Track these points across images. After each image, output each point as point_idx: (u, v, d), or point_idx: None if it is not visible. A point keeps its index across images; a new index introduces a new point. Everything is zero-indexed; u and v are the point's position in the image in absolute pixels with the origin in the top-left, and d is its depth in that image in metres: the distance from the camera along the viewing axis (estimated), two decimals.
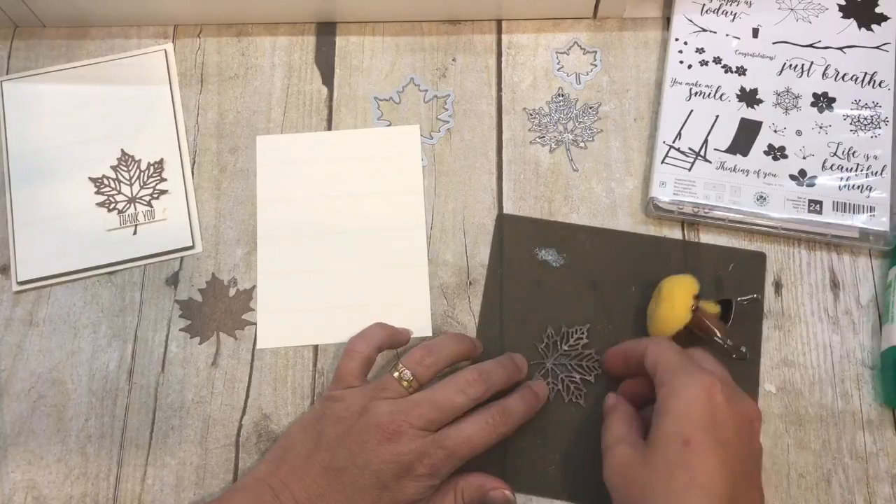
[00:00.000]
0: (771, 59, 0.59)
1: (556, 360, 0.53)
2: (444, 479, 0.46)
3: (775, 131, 0.57)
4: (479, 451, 0.46)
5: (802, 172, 0.56)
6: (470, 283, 0.56)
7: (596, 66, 0.61)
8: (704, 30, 0.60)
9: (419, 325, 0.55)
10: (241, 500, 0.46)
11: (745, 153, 0.57)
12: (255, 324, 0.56)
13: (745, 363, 0.52)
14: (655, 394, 0.44)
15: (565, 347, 0.53)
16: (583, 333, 0.54)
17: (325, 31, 0.63)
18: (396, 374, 0.48)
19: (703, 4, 0.61)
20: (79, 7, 0.61)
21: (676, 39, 0.60)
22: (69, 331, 0.56)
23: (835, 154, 0.56)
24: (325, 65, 0.62)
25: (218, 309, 0.56)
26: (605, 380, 0.52)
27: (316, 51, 0.63)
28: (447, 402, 0.46)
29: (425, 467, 0.44)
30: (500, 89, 0.61)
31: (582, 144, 0.59)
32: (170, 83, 0.62)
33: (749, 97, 0.58)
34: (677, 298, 0.50)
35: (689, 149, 0.57)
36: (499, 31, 0.62)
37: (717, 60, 0.59)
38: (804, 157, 0.56)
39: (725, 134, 0.57)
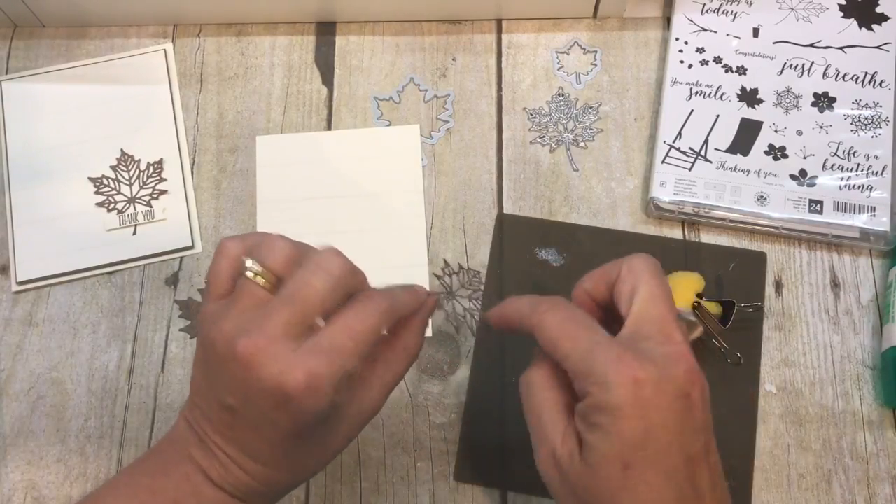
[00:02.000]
0: (771, 58, 0.59)
1: None
2: (343, 385, 0.36)
3: (776, 131, 0.57)
4: (370, 340, 0.37)
5: (803, 172, 0.56)
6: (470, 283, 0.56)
7: (596, 65, 0.61)
8: (705, 29, 0.60)
9: None
10: (171, 452, 0.39)
11: (745, 153, 0.57)
12: None
13: (745, 363, 0.52)
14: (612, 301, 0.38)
15: None
16: None
17: (325, 30, 0.63)
18: (245, 272, 0.38)
19: (704, 4, 0.61)
20: (78, 7, 0.61)
21: (677, 39, 0.60)
22: (69, 331, 0.56)
23: (835, 154, 0.56)
24: (325, 65, 0.62)
25: None
26: None
27: (316, 50, 0.63)
28: (302, 288, 0.36)
29: (300, 386, 0.34)
30: (500, 89, 0.61)
31: (582, 144, 0.59)
32: (169, 83, 0.62)
33: (749, 97, 0.58)
34: (679, 293, 0.50)
35: (690, 148, 0.57)
36: (499, 31, 0.62)
37: (717, 60, 0.59)
38: (805, 157, 0.56)
39: (726, 134, 0.57)
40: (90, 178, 0.59)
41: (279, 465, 0.38)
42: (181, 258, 0.58)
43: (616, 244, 0.56)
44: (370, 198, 0.58)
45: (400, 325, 0.41)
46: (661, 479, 0.35)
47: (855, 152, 0.56)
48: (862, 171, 0.56)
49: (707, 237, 0.56)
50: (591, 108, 0.60)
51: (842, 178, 0.55)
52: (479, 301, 0.56)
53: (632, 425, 0.35)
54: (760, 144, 0.57)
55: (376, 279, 0.56)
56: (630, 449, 0.35)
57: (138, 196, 0.59)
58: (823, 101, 0.58)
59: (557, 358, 0.37)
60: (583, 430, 0.36)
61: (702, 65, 0.59)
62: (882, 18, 0.60)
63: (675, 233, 0.57)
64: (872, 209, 0.54)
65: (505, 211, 0.58)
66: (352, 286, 0.38)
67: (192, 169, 0.60)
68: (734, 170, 0.56)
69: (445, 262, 0.56)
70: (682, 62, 0.59)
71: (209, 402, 0.38)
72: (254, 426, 0.37)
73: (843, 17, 0.60)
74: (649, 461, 0.35)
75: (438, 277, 0.56)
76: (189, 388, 0.40)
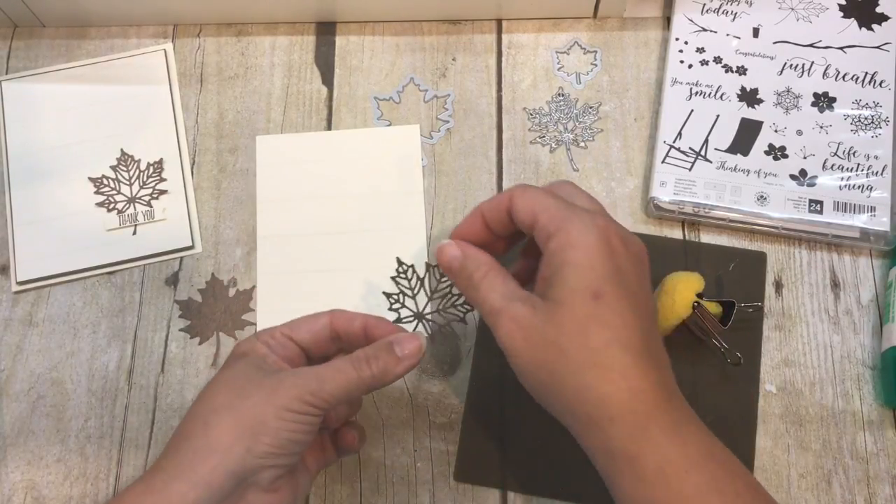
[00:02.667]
0: (771, 58, 0.59)
1: None
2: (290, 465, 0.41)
3: (776, 131, 0.57)
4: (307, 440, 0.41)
5: (803, 172, 0.56)
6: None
7: (596, 65, 0.61)
8: (705, 29, 0.60)
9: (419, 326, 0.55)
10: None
11: (745, 153, 0.57)
12: (255, 324, 0.56)
13: (745, 363, 0.52)
14: (538, 244, 0.40)
15: None
16: None
17: (325, 30, 0.63)
18: None
19: (704, 4, 0.61)
20: (78, 7, 0.61)
21: (677, 39, 0.60)
22: (69, 331, 0.56)
23: (835, 154, 0.56)
24: (325, 64, 0.62)
25: (218, 309, 0.56)
26: None
27: (316, 50, 0.63)
28: None
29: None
30: (500, 89, 0.61)
31: (582, 144, 0.59)
32: (169, 83, 0.62)
33: (749, 97, 0.58)
34: (679, 293, 0.50)
35: (690, 148, 0.57)
36: (499, 31, 0.62)
37: (717, 60, 0.59)
38: (805, 157, 0.56)
39: (726, 134, 0.57)
40: (90, 178, 0.59)
41: None
42: (181, 258, 0.58)
43: None
44: (370, 198, 0.58)
45: (344, 426, 0.46)
46: (628, 308, 0.37)
47: (855, 152, 0.56)
48: (862, 171, 0.56)
49: (707, 237, 0.56)
50: (591, 108, 0.60)
51: (842, 178, 0.55)
52: None
53: (603, 260, 0.37)
54: (760, 144, 0.57)
55: (376, 279, 0.56)
56: (600, 279, 0.37)
57: (138, 196, 0.59)
58: (823, 101, 0.58)
59: (533, 222, 0.40)
60: (551, 273, 0.38)
61: (702, 65, 0.59)
62: (882, 18, 0.60)
63: (675, 233, 0.57)
64: (872, 209, 0.54)
65: None
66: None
67: (192, 169, 0.60)
68: (734, 170, 0.56)
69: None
70: (682, 62, 0.59)
71: None
72: None
73: (843, 17, 0.60)
74: (617, 292, 0.37)
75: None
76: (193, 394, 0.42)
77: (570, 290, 0.37)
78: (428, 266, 0.49)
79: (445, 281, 0.48)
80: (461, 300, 0.48)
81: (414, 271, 0.50)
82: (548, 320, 0.38)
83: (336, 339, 0.45)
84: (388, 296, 0.49)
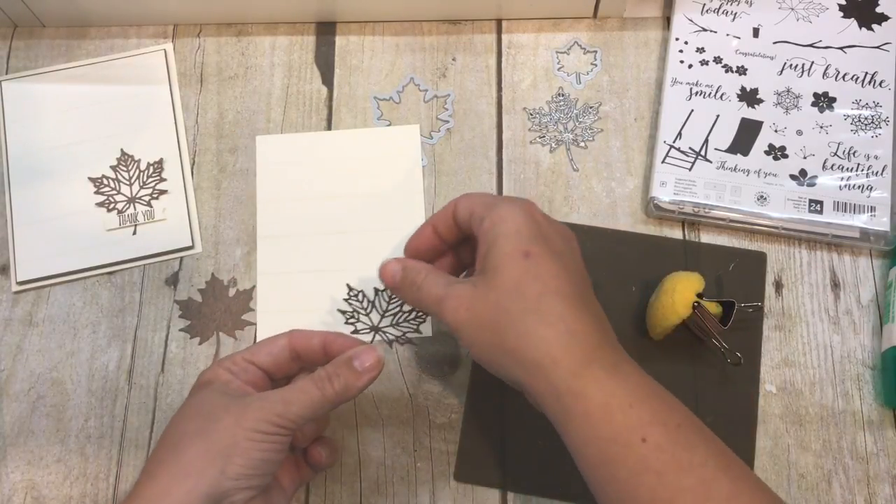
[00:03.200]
0: (771, 58, 0.59)
1: None
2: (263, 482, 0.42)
3: (776, 131, 0.57)
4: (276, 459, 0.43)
5: (803, 172, 0.56)
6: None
7: (596, 65, 0.61)
8: (705, 29, 0.60)
9: (419, 326, 0.55)
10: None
11: (745, 153, 0.57)
12: (255, 324, 0.56)
13: (745, 363, 0.52)
14: (473, 235, 0.44)
15: None
16: None
17: (325, 30, 0.63)
18: None
19: (704, 4, 0.61)
20: (78, 7, 0.61)
21: (677, 39, 0.60)
22: (69, 331, 0.56)
23: (835, 154, 0.56)
24: (325, 64, 0.62)
25: (218, 309, 0.56)
26: None
27: (316, 50, 0.63)
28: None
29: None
30: (500, 89, 0.61)
31: (582, 144, 0.59)
32: (169, 83, 0.62)
33: (749, 97, 0.58)
34: (679, 293, 0.50)
35: (690, 148, 0.57)
36: (499, 31, 0.62)
37: (717, 60, 0.59)
38: (805, 157, 0.56)
39: (726, 134, 0.57)
40: (90, 178, 0.59)
41: None
42: (181, 258, 0.58)
43: (616, 244, 0.56)
44: (370, 198, 0.58)
45: (313, 443, 0.47)
46: (556, 264, 0.41)
47: (855, 152, 0.56)
48: (862, 171, 0.56)
49: (707, 237, 0.56)
50: (591, 108, 0.60)
51: (842, 178, 0.55)
52: None
53: (529, 227, 0.42)
54: (760, 144, 0.57)
55: (377, 279, 0.56)
56: (528, 241, 0.41)
57: (138, 196, 0.59)
58: (823, 101, 0.58)
59: (470, 214, 0.44)
60: (486, 248, 0.42)
61: (702, 65, 0.59)
62: (882, 18, 0.60)
63: (675, 233, 0.57)
64: (872, 209, 0.54)
65: None
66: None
67: (192, 169, 0.60)
68: (734, 170, 0.56)
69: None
70: (682, 62, 0.59)
71: None
72: None
73: (843, 17, 0.60)
74: (544, 251, 0.41)
75: None
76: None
77: (503, 255, 0.41)
78: (376, 291, 0.52)
79: (395, 301, 0.51)
80: (412, 314, 0.51)
81: (364, 295, 0.53)
82: (487, 287, 0.41)
83: (296, 359, 0.47)
84: (343, 313, 0.52)
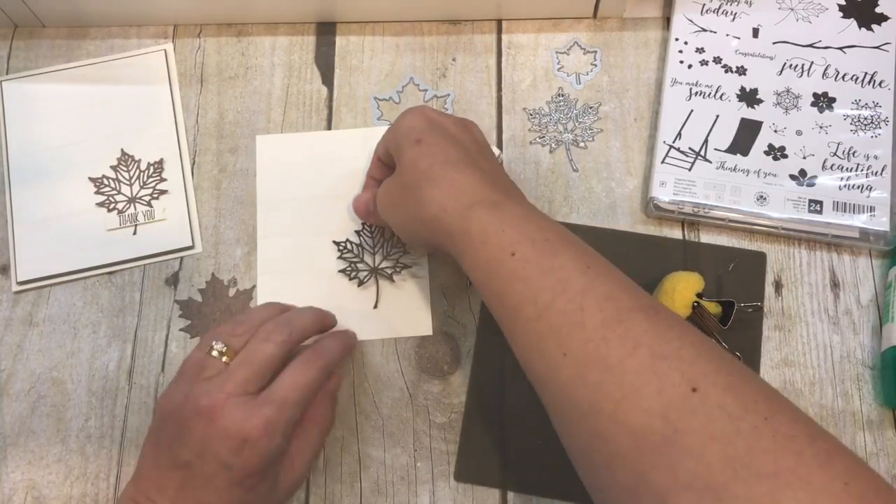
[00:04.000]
0: (771, 58, 0.59)
1: None
2: (287, 430, 0.45)
3: (775, 131, 0.57)
4: (311, 392, 0.46)
5: (802, 172, 0.56)
6: (470, 283, 0.56)
7: (596, 66, 0.61)
8: (704, 30, 0.60)
9: (419, 325, 0.55)
10: None
11: (745, 153, 0.57)
12: None
13: (745, 363, 0.52)
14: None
15: None
16: None
17: (325, 30, 0.63)
18: (211, 351, 0.46)
19: (703, 4, 0.61)
20: (79, 7, 0.61)
21: (676, 39, 0.60)
22: (69, 331, 0.56)
23: (835, 154, 0.56)
24: (325, 65, 0.62)
25: (218, 309, 0.56)
26: None
27: (316, 51, 0.63)
28: (256, 354, 0.46)
29: (257, 429, 0.43)
30: (500, 89, 0.61)
31: (582, 144, 0.59)
32: (170, 83, 0.62)
33: (749, 97, 0.58)
34: (679, 292, 0.50)
35: (690, 149, 0.57)
36: (499, 31, 0.62)
37: (717, 60, 0.59)
38: (804, 157, 0.56)
39: (726, 134, 0.57)
40: (90, 178, 0.59)
41: None
42: (181, 258, 0.58)
43: (616, 244, 0.56)
44: None
45: (310, 403, 0.48)
46: (448, 144, 0.47)
47: (854, 152, 0.56)
48: (861, 171, 0.56)
49: (707, 237, 0.56)
50: (590, 108, 0.60)
51: (841, 178, 0.55)
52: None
53: (420, 121, 0.48)
54: (760, 144, 0.57)
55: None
56: (419, 132, 0.48)
57: (138, 196, 0.59)
58: (823, 101, 0.58)
59: (388, 150, 0.51)
60: (395, 153, 0.49)
61: (701, 65, 0.59)
62: (882, 18, 0.60)
63: (675, 233, 0.57)
64: (872, 209, 0.55)
65: None
66: (299, 342, 0.48)
67: (192, 169, 0.60)
68: (734, 170, 0.56)
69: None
70: (681, 62, 0.59)
71: (161, 469, 0.44)
72: (207, 478, 0.43)
73: (843, 17, 0.60)
74: (435, 136, 0.47)
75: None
76: None
77: (401, 148, 0.48)
78: (357, 233, 0.57)
79: (375, 231, 0.57)
80: (395, 238, 0.56)
81: (351, 242, 0.57)
82: (394, 176, 0.49)
83: None
84: (342, 271, 0.56)
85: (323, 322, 0.51)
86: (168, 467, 0.44)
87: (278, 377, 0.46)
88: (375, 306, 0.55)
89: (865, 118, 0.57)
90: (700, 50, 0.60)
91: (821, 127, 0.57)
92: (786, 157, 0.56)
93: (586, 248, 0.44)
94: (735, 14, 0.60)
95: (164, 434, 0.45)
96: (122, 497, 0.45)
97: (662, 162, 0.57)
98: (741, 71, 0.59)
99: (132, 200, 0.59)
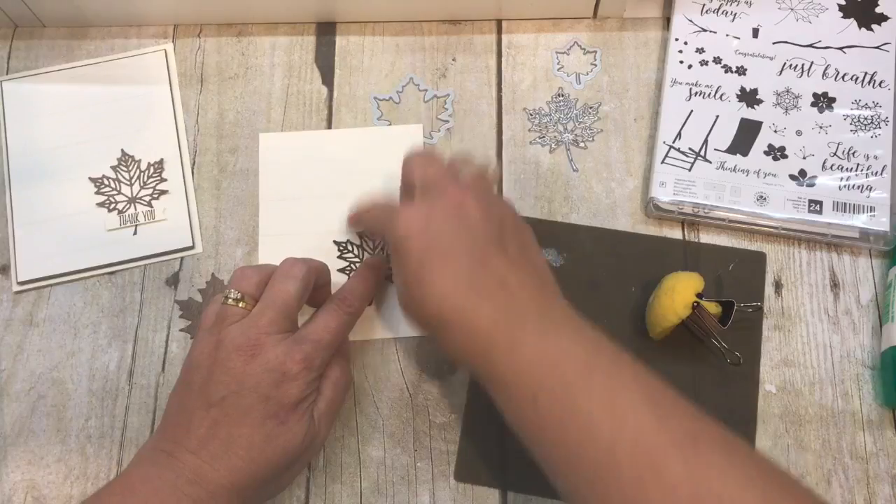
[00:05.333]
0: (771, 59, 0.59)
1: None
2: (321, 370, 0.47)
3: (775, 131, 0.57)
4: (341, 336, 0.48)
5: (802, 172, 0.56)
6: None
7: (596, 66, 0.61)
8: (704, 30, 0.60)
9: None
10: (139, 472, 0.44)
11: (745, 153, 0.57)
12: None
13: (745, 363, 0.52)
14: None
15: None
16: None
17: (325, 30, 0.63)
18: (227, 300, 0.47)
19: (703, 4, 0.61)
20: (79, 7, 0.61)
21: (676, 39, 0.60)
22: (69, 331, 0.56)
23: (835, 154, 0.56)
24: (325, 65, 0.62)
25: None
26: None
27: (316, 51, 0.63)
28: (281, 294, 0.47)
29: (297, 363, 0.45)
30: (500, 89, 0.61)
31: (582, 144, 0.59)
32: (170, 83, 0.62)
33: (749, 97, 0.58)
34: (679, 292, 0.50)
35: (689, 149, 0.57)
36: (499, 31, 0.62)
37: (717, 60, 0.59)
38: (804, 157, 0.56)
39: (725, 134, 0.57)
40: (91, 179, 0.59)
41: (254, 453, 0.44)
42: (182, 258, 0.58)
43: (616, 244, 0.56)
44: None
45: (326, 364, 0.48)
46: (450, 272, 0.43)
47: (854, 152, 0.56)
48: (861, 171, 0.56)
49: (706, 237, 0.56)
50: (590, 108, 0.60)
51: (841, 179, 0.56)
52: None
53: (418, 242, 0.44)
54: (760, 145, 0.57)
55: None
56: (420, 252, 0.44)
57: (139, 196, 0.59)
58: (823, 101, 0.58)
59: (380, 231, 0.52)
60: (394, 269, 0.46)
61: (701, 65, 0.59)
62: (882, 18, 0.60)
63: (675, 233, 0.57)
64: (872, 209, 0.55)
65: None
66: (317, 280, 0.49)
67: (192, 169, 0.60)
68: (734, 170, 0.56)
69: None
70: (681, 62, 0.59)
71: (190, 412, 0.44)
72: (243, 410, 0.44)
73: (843, 17, 0.60)
74: (437, 260, 0.43)
75: None
76: None
77: (407, 269, 0.44)
78: (359, 233, 0.57)
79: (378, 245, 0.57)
80: None
81: (352, 244, 0.57)
82: (401, 293, 0.46)
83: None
84: (342, 271, 0.56)
85: (324, 266, 0.51)
86: (199, 408, 0.44)
87: (311, 321, 0.48)
88: (372, 304, 0.55)
89: (865, 118, 0.57)
90: (700, 50, 0.60)
91: (821, 127, 0.57)
92: (786, 157, 0.56)
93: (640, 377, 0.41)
94: (735, 14, 0.60)
95: (194, 380, 0.45)
96: (142, 449, 0.45)
97: (662, 162, 0.57)
98: (741, 71, 0.59)
99: (132, 200, 0.59)
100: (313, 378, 0.46)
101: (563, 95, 0.61)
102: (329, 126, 0.60)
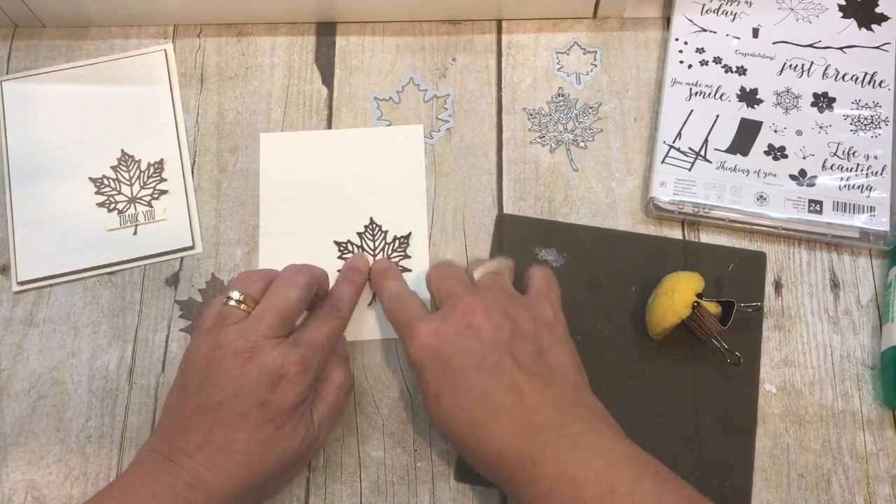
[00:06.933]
0: (771, 59, 0.59)
1: None
2: (317, 373, 0.47)
3: (775, 131, 0.57)
4: (335, 338, 0.49)
5: (802, 172, 0.56)
6: None
7: (596, 66, 0.61)
8: (704, 30, 0.60)
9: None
10: (138, 475, 0.44)
11: (745, 153, 0.57)
12: None
13: (745, 363, 0.52)
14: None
15: None
16: None
17: (325, 31, 0.63)
18: (228, 302, 0.48)
19: (704, 4, 0.61)
20: (79, 7, 0.61)
21: (676, 39, 0.60)
22: (69, 331, 0.56)
23: (835, 154, 0.56)
24: (325, 65, 0.62)
25: None
26: None
27: (316, 51, 0.63)
28: (282, 300, 0.47)
29: (295, 364, 0.45)
30: (500, 89, 0.61)
31: (582, 144, 0.59)
32: (170, 83, 0.62)
33: (749, 97, 0.58)
34: (679, 293, 0.50)
35: (690, 149, 0.57)
36: (499, 31, 0.62)
37: (717, 60, 0.59)
38: (804, 157, 0.56)
39: (725, 134, 0.57)
40: (91, 179, 0.59)
41: (251, 458, 0.44)
42: (182, 258, 0.58)
43: (616, 244, 0.56)
44: (373, 197, 0.58)
45: (326, 366, 0.49)
46: (463, 398, 0.44)
47: (854, 152, 0.56)
48: (861, 171, 0.56)
49: (707, 237, 0.56)
50: (590, 108, 0.60)
51: (841, 178, 0.56)
52: None
53: (430, 370, 0.45)
54: (760, 144, 0.57)
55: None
56: (434, 385, 0.45)
57: (139, 196, 0.59)
58: (823, 101, 0.58)
59: (389, 319, 0.50)
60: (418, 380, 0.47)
61: (701, 65, 0.59)
62: (882, 18, 0.60)
63: (675, 233, 0.57)
64: (872, 209, 0.55)
65: (505, 211, 0.58)
66: (316, 288, 0.50)
67: (192, 169, 0.60)
68: (734, 170, 0.56)
69: None
70: (681, 62, 0.59)
71: (187, 416, 0.45)
72: (239, 415, 0.44)
73: (843, 17, 0.60)
74: (449, 389, 0.44)
75: None
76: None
77: (427, 398, 0.46)
78: (360, 234, 0.57)
79: (377, 235, 0.57)
80: (397, 243, 0.57)
81: (352, 244, 0.57)
82: (430, 416, 0.47)
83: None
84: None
85: (325, 274, 0.52)
86: (196, 411, 0.44)
87: (304, 325, 0.49)
88: (371, 304, 0.55)
89: (865, 118, 0.57)
90: (700, 50, 0.60)
91: (821, 127, 0.57)
92: (786, 157, 0.56)
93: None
94: (735, 14, 0.60)
95: (190, 382, 0.46)
96: (140, 452, 0.46)
97: (662, 162, 0.57)
98: (741, 71, 0.59)
99: (132, 200, 0.59)
100: (310, 381, 0.46)
101: (563, 95, 0.61)
102: (329, 126, 0.60)
